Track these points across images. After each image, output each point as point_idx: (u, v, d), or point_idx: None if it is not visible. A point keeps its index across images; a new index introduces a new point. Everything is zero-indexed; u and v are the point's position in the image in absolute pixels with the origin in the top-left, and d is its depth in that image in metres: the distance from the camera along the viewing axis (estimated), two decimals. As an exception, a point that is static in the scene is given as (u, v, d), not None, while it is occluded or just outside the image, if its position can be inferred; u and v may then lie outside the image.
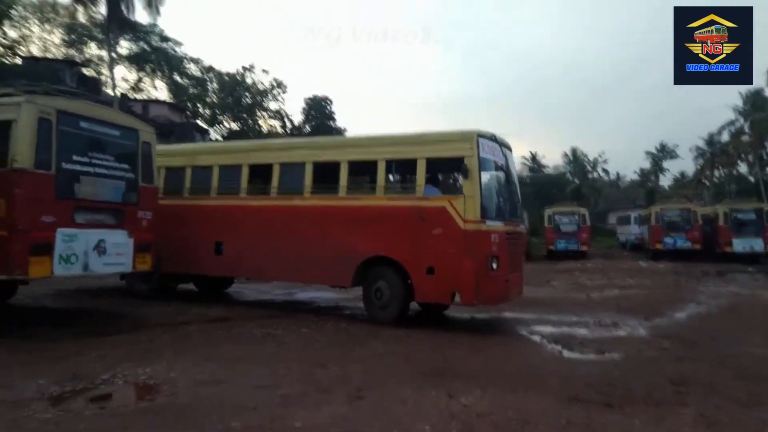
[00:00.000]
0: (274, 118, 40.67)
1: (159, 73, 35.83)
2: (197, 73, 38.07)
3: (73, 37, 31.75)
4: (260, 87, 39.30)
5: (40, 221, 5.96)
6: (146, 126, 7.78)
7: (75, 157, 6.47)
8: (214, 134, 36.59)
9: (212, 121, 38.27)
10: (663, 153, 54.98)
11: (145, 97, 34.27)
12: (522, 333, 7.29)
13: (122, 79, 34.46)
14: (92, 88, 24.59)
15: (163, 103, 31.93)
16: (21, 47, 29.49)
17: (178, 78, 36.71)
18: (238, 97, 38.30)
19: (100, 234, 6.63)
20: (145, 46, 34.15)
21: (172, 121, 28.26)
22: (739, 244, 20.78)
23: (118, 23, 24.32)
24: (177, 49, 36.01)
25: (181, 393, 4.27)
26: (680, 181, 53.49)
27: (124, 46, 32.81)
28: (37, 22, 30.94)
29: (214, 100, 38.62)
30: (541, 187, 43.66)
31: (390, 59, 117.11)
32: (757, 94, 38.61)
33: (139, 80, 35.65)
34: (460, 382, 4.64)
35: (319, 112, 40.50)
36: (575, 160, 55.17)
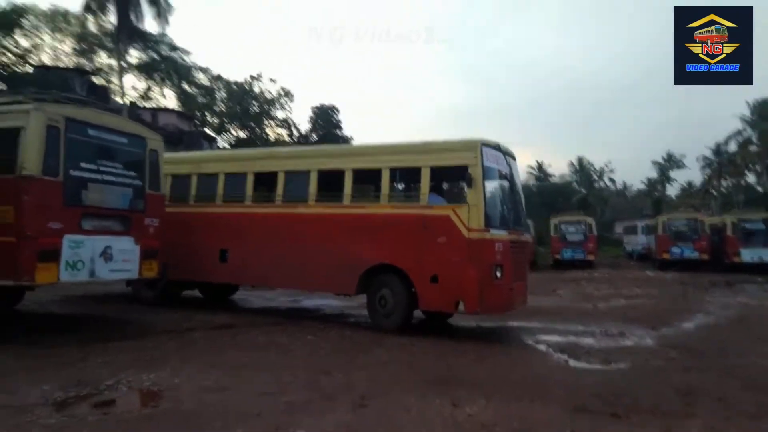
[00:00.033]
0: (282, 126, 40.97)
1: (168, 82, 36.20)
2: (206, 82, 38.46)
3: (83, 46, 32.19)
4: (267, 96, 39.63)
5: (48, 228, 6.00)
6: (154, 134, 7.85)
7: (83, 165, 6.52)
8: (222, 142, 36.82)
9: (220, 130, 38.56)
10: (670, 163, 54.75)
11: (154, 105, 34.60)
12: (528, 342, 7.25)
13: (132, 87, 34.92)
14: (102, 96, 24.85)
15: (172, 111, 32.16)
16: (32, 56, 29.93)
17: (186, 87, 37.08)
18: (246, 106, 38.60)
19: (107, 240, 6.67)
20: (155, 55, 34.56)
21: (180, 129, 28.47)
22: (748, 255, 20.59)
23: (128, 33, 24.70)
24: (186, 58, 36.43)
25: (186, 399, 4.27)
26: (687, 190, 53.22)
27: (134, 55, 33.25)
28: (48, 31, 31.44)
29: (222, 109, 38.94)
30: (547, 197, 43.51)
31: (398, 71, 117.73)
32: (765, 103, 38.48)
33: (149, 89, 36.05)
34: (464, 390, 4.61)
35: (325, 120, 40.73)
36: (582, 169, 55.08)
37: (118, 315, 8.40)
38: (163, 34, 31.91)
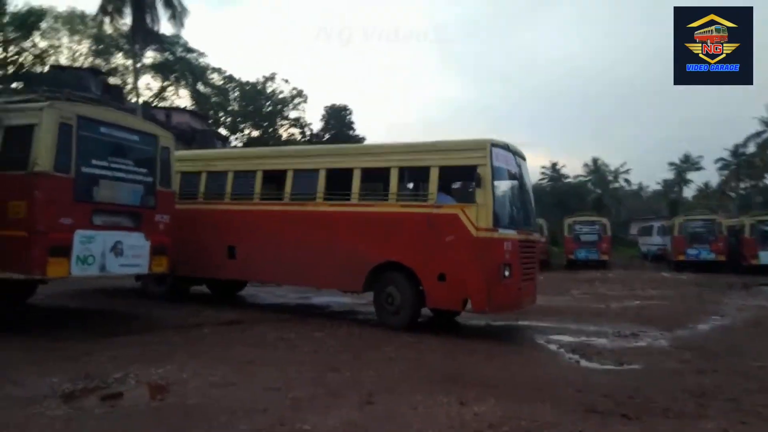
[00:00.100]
0: (294, 126, 41.18)
1: (182, 82, 36.58)
2: (219, 82, 38.78)
3: (100, 47, 32.65)
4: (280, 96, 39.87)
5: (59, 223, 6.05)
6: (165, 132, 7.90)
7: (94, 161, 6.58)
8: (234, 141, 37.12)
9: (233, 129, 38.87)
10: (687, 164, 53.92)
11: (168, 104, 34.99)
12: (539, 341, 7.16)
13: (146, 87, 35.34)
14: (116, 96, 25.19)
15: (186, 111, 32.53)
16: (50, 56, 30.44)
17: (201, 87, 37.42)
18: (259, 105, 38.86)
19: (118, 236, 6.71)
20: (170, 56, 34.92)
21: (193, 128, 28.74)
22: (766, 257, 20.21)
23: (143, 34, 24.88)
24: (200, 59, 36.78)
25: (192, 394, 4.27)
26: (704, 191, 52.41)
27: (149, 56, 33.63)
28: (66, 32, 31.94)
29: (236, 109, 39.24)
30: (561, 197, 43.12)
31: (408, 70, 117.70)
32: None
33: (163, 89, 36.48)
34: (472, 389, 4.55)
35: (337, 120, 40.87)
36: (596, 169, 54.41)
37: (128, 309, 8.46)
38: (179, 36, 32.24)
